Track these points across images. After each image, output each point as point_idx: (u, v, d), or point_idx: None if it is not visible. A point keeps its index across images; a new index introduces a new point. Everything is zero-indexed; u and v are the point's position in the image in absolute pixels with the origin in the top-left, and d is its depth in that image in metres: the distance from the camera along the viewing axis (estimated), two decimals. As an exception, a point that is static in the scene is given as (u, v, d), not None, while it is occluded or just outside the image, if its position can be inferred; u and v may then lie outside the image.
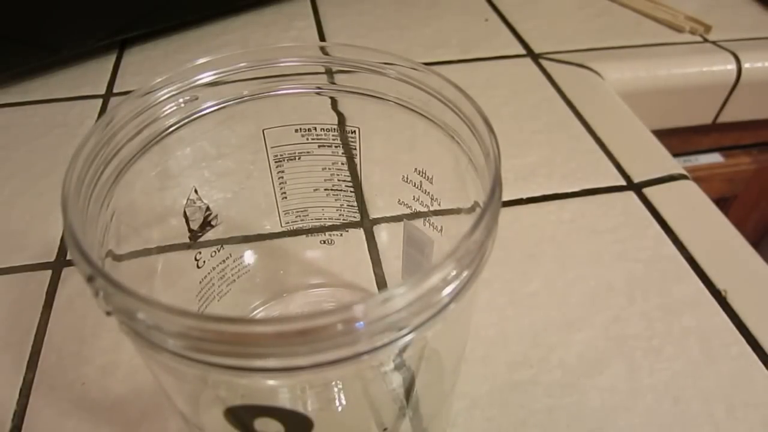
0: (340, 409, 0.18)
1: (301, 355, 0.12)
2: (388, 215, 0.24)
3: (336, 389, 0.18)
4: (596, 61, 0.44)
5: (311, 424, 0.16)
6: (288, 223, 0.25)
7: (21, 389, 0.24)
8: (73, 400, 0.24)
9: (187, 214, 0.21)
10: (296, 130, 0.22)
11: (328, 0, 0.52)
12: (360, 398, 0.19)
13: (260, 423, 0.15)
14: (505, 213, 0.32)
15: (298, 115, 0.22)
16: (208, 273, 0.23)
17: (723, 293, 0.28)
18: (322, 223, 0.25)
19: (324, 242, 0.26)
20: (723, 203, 0.56)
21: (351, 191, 0.24)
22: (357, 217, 0.25)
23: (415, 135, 0.20)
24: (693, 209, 0.33)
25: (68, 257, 0.29)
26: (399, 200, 0.22)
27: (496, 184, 0.14)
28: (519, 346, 0.26)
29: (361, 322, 0.12)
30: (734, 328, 0.27)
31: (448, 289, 0.13)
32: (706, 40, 0.48)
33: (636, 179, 0.35)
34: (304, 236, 0.25)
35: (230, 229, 0.23)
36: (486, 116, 0.16)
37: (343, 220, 0.25)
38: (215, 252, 0.23)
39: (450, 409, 0.24)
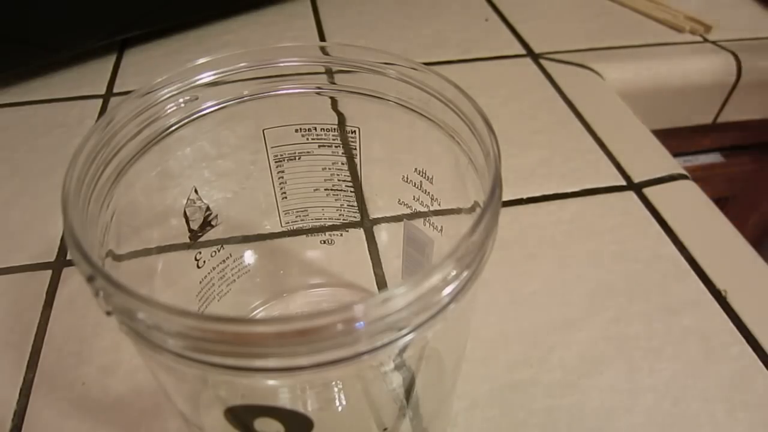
0: (340, 409, 0.18)
1: (301, 355, 0.12)
2: (388, 215, 0.24)
3: (336, 389, 0.18)
4: (596, 61, 0.44)
5: (311, 424, 0.16)
6: (288, 223, 0.25)
7: (21, 389, 0.24)
8: (73, 400, 0.24)
9: (187, 214, 0.21)
10: (296, 130, 0.22)
11: (328, 0, 0.52)
12: (360, 398, 0.19)
13: (260, 423, 0.15)
14: (505, 213, 0.32)
15: (298, 115, 0.22)
16: (208, 273, 0.22)
17: (723, 293, 0.28)
18: (322, 223, 0.25)
19: (324, 242, 0.26)
20: (723, 203, 0.56)
21: (351, 191, 0.24)
22: (357, 217, 0.25)
23: (415, 135, 0.20)
24: (693, 209, 0.33)
25: (68, 257, 0.29)
26: (399, 200, 0.22)
27: (496, 184, 0.14)
28: (519, 346, 0.26)
29: (361, 322, 0.12)
30: (734, 328, 0.27)
31: (448, 289, 0.13)
32: (706, 40, 0.47)
33: (636, 179, 0.35)
34: (304, 236, 0.25)
35: (230, 229, 0.23)
36: (486, 116, 0.16)
37: (343, 220, 0.25)
38: (215, 252, 0.23)
39: (450, 409, 0.23)
